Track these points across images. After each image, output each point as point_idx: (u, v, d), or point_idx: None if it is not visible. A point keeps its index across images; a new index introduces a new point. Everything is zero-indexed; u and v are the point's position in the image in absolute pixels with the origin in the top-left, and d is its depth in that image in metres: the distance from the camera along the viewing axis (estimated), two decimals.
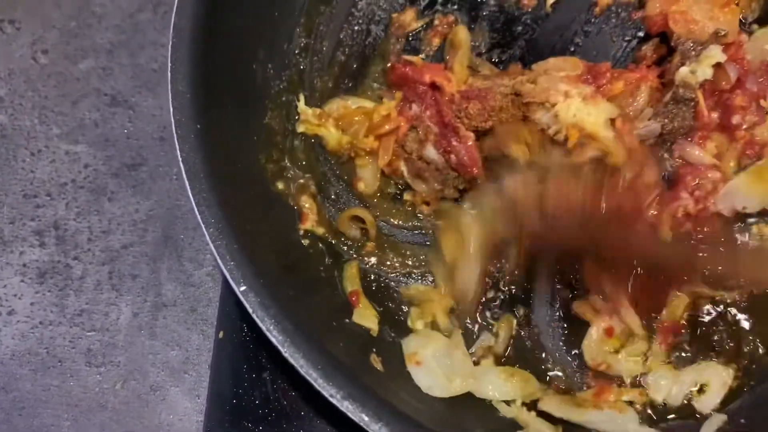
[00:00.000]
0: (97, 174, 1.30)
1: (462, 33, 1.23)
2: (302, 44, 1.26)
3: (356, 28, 1.29)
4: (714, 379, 1.07)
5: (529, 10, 1.26)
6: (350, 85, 1.24)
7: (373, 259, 1.16)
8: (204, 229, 0.92)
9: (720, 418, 1.04)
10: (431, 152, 1.11)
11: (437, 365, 1.07)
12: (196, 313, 1.22)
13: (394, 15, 1.27)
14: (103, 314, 1.23)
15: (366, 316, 1.10)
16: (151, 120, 1.33)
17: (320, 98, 1.23)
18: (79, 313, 1.24)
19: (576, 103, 1.05)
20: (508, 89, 1.09)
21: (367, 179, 1.17)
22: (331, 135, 1.16)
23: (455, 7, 1.28)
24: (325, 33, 1.28)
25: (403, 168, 1.15)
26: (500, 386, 1.07)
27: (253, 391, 1.13)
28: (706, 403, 1.06)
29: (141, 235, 1.27)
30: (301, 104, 1.19)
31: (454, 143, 1.08)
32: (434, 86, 1.11)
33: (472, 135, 1.08)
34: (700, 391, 1.07)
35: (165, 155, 1.31)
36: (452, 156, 1.09)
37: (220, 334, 1.16)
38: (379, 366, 1.04)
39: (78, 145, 1.32)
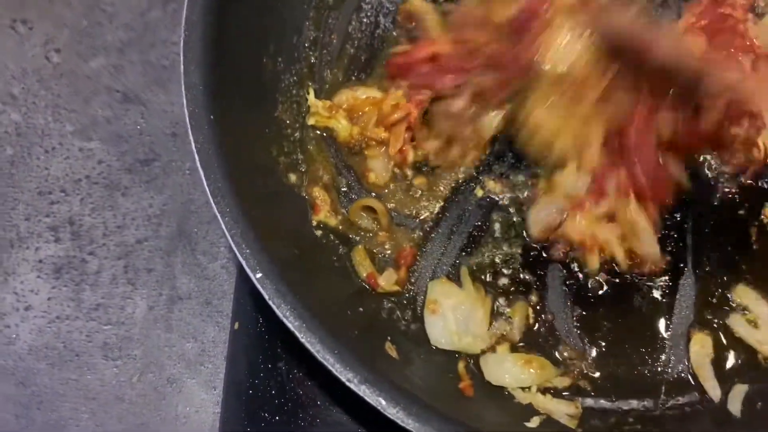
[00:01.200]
0: (111, 170, 1.32)
1: (414, 2, 1.24)
2: (312, 37, 1.27)
3: (365, 20, 1.29)
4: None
5: None
6: (360, 77, 1.25)
7: (387, 248, 1.16)
8: (219, 217, 0.93)
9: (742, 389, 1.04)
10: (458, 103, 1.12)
11: (453, 318, 1.09)
12: (211, 306, 1.23)
13: (402, 5, 1.27)
14: (119, 308, 1.24)
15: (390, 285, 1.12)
16: (162, 116, 1.34)
17: (330, 91, 1.23)
18: (95, 307, 1.25)
19: None
20: None
21: (377, 170, 1.17)
22: (342, 126, 1.17)
23: None
24: (334, 26, 1.28)
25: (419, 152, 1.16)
26: (517, 373, 1.07)
27: (269, 382, 1.13)
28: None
29: (155, 230, 1.28)
30: (311, 97, 1.20)
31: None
32: (434, 58, 1.13)
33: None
34: None
35: (177, 151, 1.32)
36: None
37: (236, 326, 1.16)
38: (394, 354, 1.04)
39: (91, 141, 1.34)
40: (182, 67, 1.00)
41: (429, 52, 1.14)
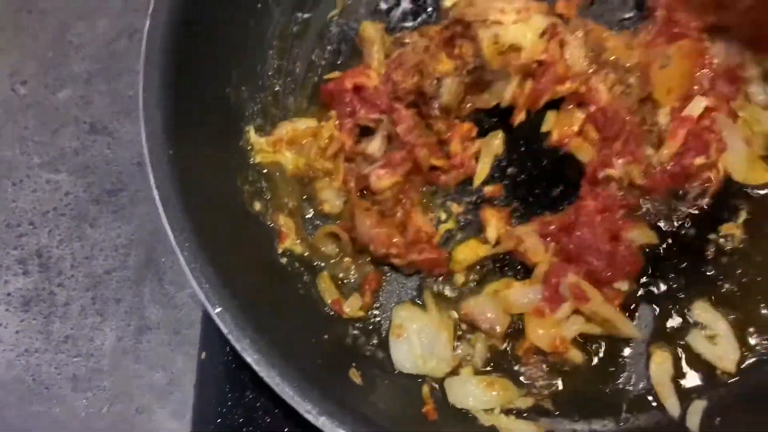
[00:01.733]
0: (78, 201, 1.33)
1: (369, 28, 1.26)
2: (276, 66, 1.29)
3: (329, 48, 1.31)
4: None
5: None
6: (323, 104, 1.26)
7: (353, 274, 1.18)
8: (178, 253, 0.94)
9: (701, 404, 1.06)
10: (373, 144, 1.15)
11: (418, 342, 1.11)
12: (180, 335, 1.24)
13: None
14: (88, 339, 1.25)
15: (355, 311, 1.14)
16: (129, 146, 1.35)
17: (294, 118, 1.26)
18: (65, 339, 1.25)
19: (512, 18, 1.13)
20: (424, 41, 1.18)
21: (330, 200, 1.18)
22: (288, 160, 1.18)
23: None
24: (298, 54, 1.30)
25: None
26: (480, 396, 1.09)
27: (237, 410, 1.14)
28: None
29: (123, 260, 1.29)
30: (252, 135, 1.20)
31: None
32: (357, 88, 1.16)
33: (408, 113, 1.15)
34: None
35: (144, 180, 1.30)
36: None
37: (203, 355, 1.17)
38: (358, 380, 1.06)
39: (59, 173, 1.35)
40: (141, 103, 1.02)
41: (354, 82, 1.17)
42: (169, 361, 1.23)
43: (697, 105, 1.15)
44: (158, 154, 1.00)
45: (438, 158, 1.15)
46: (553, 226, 1.13)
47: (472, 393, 1.09)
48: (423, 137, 1.14)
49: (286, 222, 1.17)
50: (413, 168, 1.15)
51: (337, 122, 1.19)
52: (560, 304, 1.09)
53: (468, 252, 1.15)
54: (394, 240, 1.13)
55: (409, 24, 1.32)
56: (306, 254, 1.17)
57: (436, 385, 1.10)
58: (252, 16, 1.27)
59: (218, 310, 0.92)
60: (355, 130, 1.19)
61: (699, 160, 1.14)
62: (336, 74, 1.24)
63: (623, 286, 1.11)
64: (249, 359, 0.90)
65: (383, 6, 1.33)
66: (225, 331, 0.92)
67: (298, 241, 1.17)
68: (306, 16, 1.32)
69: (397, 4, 1.33)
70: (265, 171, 1.20)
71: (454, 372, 1.11)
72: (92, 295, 1.27)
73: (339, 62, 1.29)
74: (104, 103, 1.39)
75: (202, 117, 1.12)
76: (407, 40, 1.25)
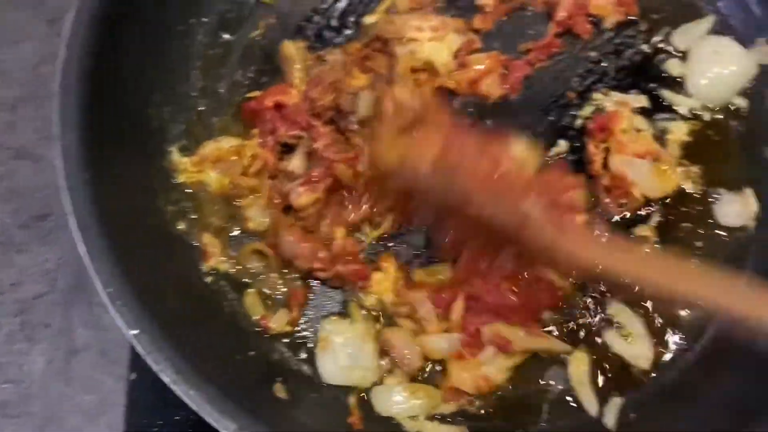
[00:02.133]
0: (5, 227, 1.33)
1: (289, 47, 1.29)
2: (200, 86, 1.30)
3: (252, 67, 1.33)
4: None
5: None
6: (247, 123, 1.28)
7: (279, 290, 1.19)
8: (94, 277, 0.95)
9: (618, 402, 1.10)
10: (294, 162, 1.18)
11: (344, 354, 1.12)
12: (109, 357, 1.24)
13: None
14: (18, 365, 1.25)
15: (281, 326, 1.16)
16: (55, 170, 1.35)
17: (219, 137, 1.27)
18: None
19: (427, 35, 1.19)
20: (343, 58, 1.23)
21: (255, 218, 1.20)
22: (212, 179, 1.20)
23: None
24: (222, 74, 1.32)
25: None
26: (405, 403, 1.11)
27: (168, 430, 1.15)
28: None
29: (51, 284, 1.29)
30: (175, 156, 1.22)
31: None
32: (277, 106, 1.19)
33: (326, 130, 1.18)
34: None
35: None
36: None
37: (132, 376, 1.18)
38: (283, 395, 1.08)
39: None
40: (57, 129, 1.02)
41: (274, 100, 1.20)
42: (99, 383, 1.23)
43: None
44: (75, 178, 1.01)
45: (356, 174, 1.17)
46: (446, 295, 1.14)
47: (396, 401, 1.11)
48: (342, 153, 1.17)
49: (212, 241, 1.19)
50: (333, 184, 1.17)
51: (259, 140, 1.21)
52: (481, 349, 1.11)
53: (379, 282, 1.17)
54: (319, 254, 1.15)
55: (333, 41, 1.35)
56: (232, 272, 1.18)
57: (362, 394, 1.13)
58: (174, 37, 1.29)
59: (135, 332, 0.93)
60: (277, 148, 1.21)
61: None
62: (257, 93, 1.26)
63: (545, 314, 1.15)
64: (166, 379, 0.92)
65: (306, 24, 1.36)
66: (142, 353, 0.93)
67: (224, 259, 1.19)
68: (229, 36, 1.34)
69: (320, 22, 1.36)
70: (189, 191, 1.21)
71: (380, 381, 1.13)
72: (21, 321, 1.27)
73: (262, 81, 1.31)
74: (30, 128, 1.39)
75: (122, 139, 1.13)
76: (328, 58, 1.28)
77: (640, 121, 1.26)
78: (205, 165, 1.20)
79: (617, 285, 1.14)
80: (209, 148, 1.23)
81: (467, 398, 1.12)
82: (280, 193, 1.18)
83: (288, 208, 1.20)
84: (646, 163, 1.21)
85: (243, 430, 0.90)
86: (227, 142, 1.23)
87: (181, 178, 1.21)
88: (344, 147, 1.18)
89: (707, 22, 1.32)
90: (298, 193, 1.15)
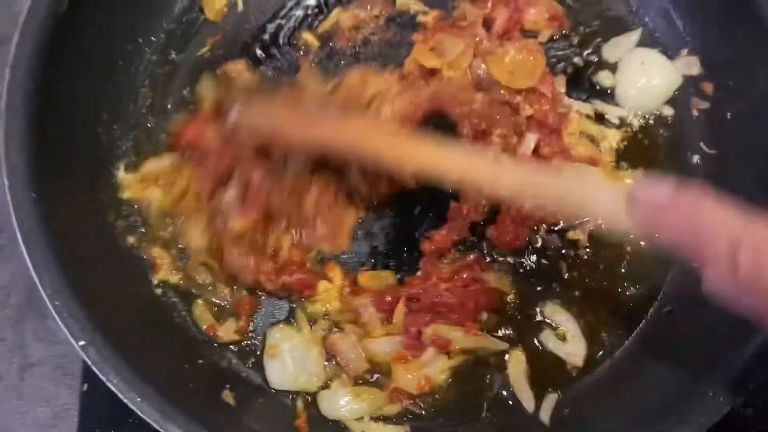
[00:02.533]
0: None
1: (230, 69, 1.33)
2: (148, 104, 1.34)
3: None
4: None
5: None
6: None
7: (227, 300, 1.23)
8: (41, 291, 0.98)
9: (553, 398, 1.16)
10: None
11: (291, 360, 1.17)
12: (63, 369, 1.27)
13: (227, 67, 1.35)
14: None
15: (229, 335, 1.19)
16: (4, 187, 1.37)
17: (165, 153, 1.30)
18: None
19: None
20: None
21: (195, 238, 1.21)
22: (156, 197, 1.22)
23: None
24: (169, 91, 1.35)
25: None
26: (350, 406, 1.15)
27: None
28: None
29: (4, 300, 1.31)
30: (121, 173, 1.24)
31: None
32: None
33: None
34: None
35: None
36: None
37: (85, 387, 1.21)
38: (231, 401, 1.11)
39: None
40: (2, 149, 1.05)
41: (195, 132, 1.19)
42: (53, 395, 1.26)
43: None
44: (22, 198, 1.04)
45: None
46: (389, 297, 1.18)
47: (342, 404, 1.15)
48: (276, 182, 1.17)
49: (161, 254, 1.22)
50: (269, 210, 1.19)
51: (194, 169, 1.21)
52: (422, 350, 1.16)
53: (325, 290, 1.21)
54: (263, 267, 1.19)
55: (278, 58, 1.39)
56: (181, 283, 1.22)
57: (309, 398, 1.17)
58: (122, 57, 1.32)
59: (82, 343, 0.97)
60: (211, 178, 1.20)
61: None
62: (181, 121, 1.25)
63: (483, 316, 1.20)
64: (114, 388, 0.95)
65: (251, 42, 1.40)
66: (89, 362, 0.96)
67: (173, 271, 1.22)
68: (177, 54, 1.37)
69: (266, 40, 1.40)
70: (136, 206, 1.24)
71: (326, 385, 1.18)
72: None
73: None
74: None
75: (69, 156, 1.16)
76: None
77: (588, 126, 1.32)
78: (149, 182, 1.23)
79: None
80: (151, 165, 1.25)
81: (411, 399, 1.17)
82: (220, 215, 1.19)
83: None
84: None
85: None
86: (169, 160, 1.25)
87: (126, 194, 1.23)
88: (277, 175, 1.17)
89: (635, 35, 1.39)
90: (234, 218, 1.16)
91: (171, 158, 1.25)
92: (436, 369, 1.17)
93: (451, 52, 1.30)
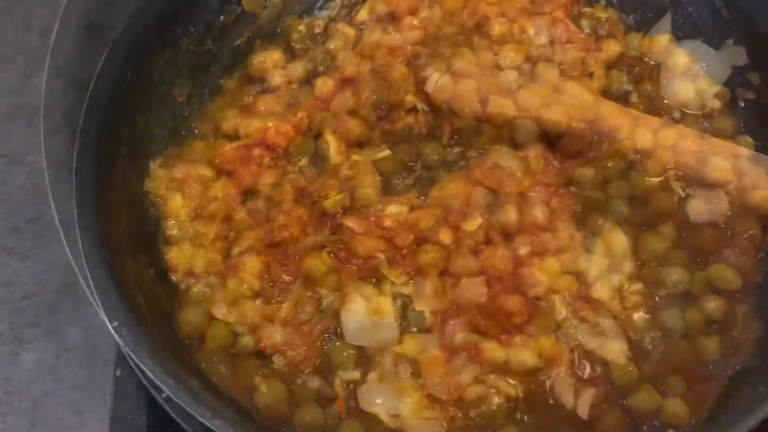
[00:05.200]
0: None
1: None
2: (186, 93, 1.34)
3: (236, 74, 1.38)
4: None
5: None
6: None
7: None
8: (77, 272, 0.99)
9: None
10: None
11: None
12: (97, 354, 1.28)
13: (258, 59, 1.36)
14: (6, 364, 1.28)
15: None
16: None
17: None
18: None
19: None
20: None
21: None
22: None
23: None
24: (205, 81, 1.37)
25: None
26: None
27: (153, 423, 1.18)
28: None
29: (42, 285, 1.33)
30: (154, 165, 1.24)
31: None
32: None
33: None
34: None
35: None
36: None
37: (118, 372, 1.21)
38: (264, 388, 1.10)
39: None
40: (42, 138, 1.06)
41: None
42: (88, 379, 1.27)
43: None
44: (60, 184, 1.05)
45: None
46: None
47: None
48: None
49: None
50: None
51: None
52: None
53: None
54: None
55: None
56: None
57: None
58: (162, 45, 1.32)
59: (115, 324, 0.97)
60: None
61: None
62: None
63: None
64: (146, 369, 0.95)
65: (288, 33, 1.41)
66: (122, 343, 0.96)
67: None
68: (213, 44, 1.38)
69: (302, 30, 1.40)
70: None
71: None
72: (10, 321, 1.31)
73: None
74: (22, 136, 1.44)
75: (108, 144, 1.17)
76: None
77: None
78: (176, 184, 1.21)
79: None
80: (185, 170, 1.23)
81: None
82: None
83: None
84: None
85: (216, 417, 0.93)
86: (201, 170, 1.24)
87: (149, 186, 1.22)
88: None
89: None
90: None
91: (203, 169, 1.24)
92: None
93: None
